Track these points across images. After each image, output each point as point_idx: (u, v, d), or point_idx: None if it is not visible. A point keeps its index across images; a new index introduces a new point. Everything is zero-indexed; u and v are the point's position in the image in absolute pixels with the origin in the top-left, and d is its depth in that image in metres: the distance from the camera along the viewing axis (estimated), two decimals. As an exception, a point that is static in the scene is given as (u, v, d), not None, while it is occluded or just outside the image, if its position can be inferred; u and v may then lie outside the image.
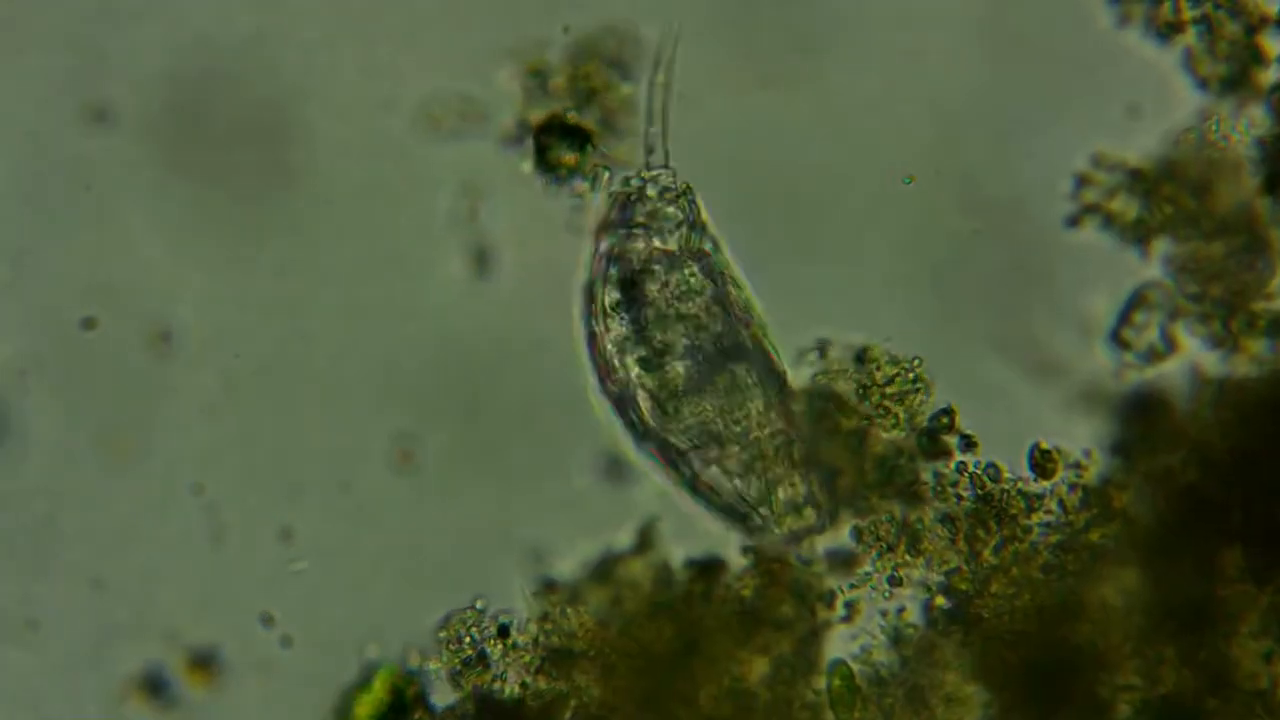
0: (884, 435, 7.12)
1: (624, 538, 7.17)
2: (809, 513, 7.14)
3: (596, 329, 7.17)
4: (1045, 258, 7.22)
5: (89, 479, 7.24)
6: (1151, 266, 7.19)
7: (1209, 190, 7.13)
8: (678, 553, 7.17)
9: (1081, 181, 7.18)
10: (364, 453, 7.24)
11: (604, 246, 7.20)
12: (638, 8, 7.24)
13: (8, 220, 7.29)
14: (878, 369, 7.12)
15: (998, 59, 7.28)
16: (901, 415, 7.12)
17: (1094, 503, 7.07)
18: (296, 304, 7.29)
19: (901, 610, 7.12)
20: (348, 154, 7.31)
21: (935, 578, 7.11)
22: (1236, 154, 7.14)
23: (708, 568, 7.15)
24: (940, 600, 7.10)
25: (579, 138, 7.24)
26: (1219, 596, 6.97)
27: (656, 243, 7.17)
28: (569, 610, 7.12)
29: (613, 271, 7.17)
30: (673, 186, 7.18)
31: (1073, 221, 7.20)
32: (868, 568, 7.12)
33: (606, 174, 7.25)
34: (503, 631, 7.14)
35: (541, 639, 7.12)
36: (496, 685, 7.13)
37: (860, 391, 7.13)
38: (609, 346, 7.15)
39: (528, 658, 7.12)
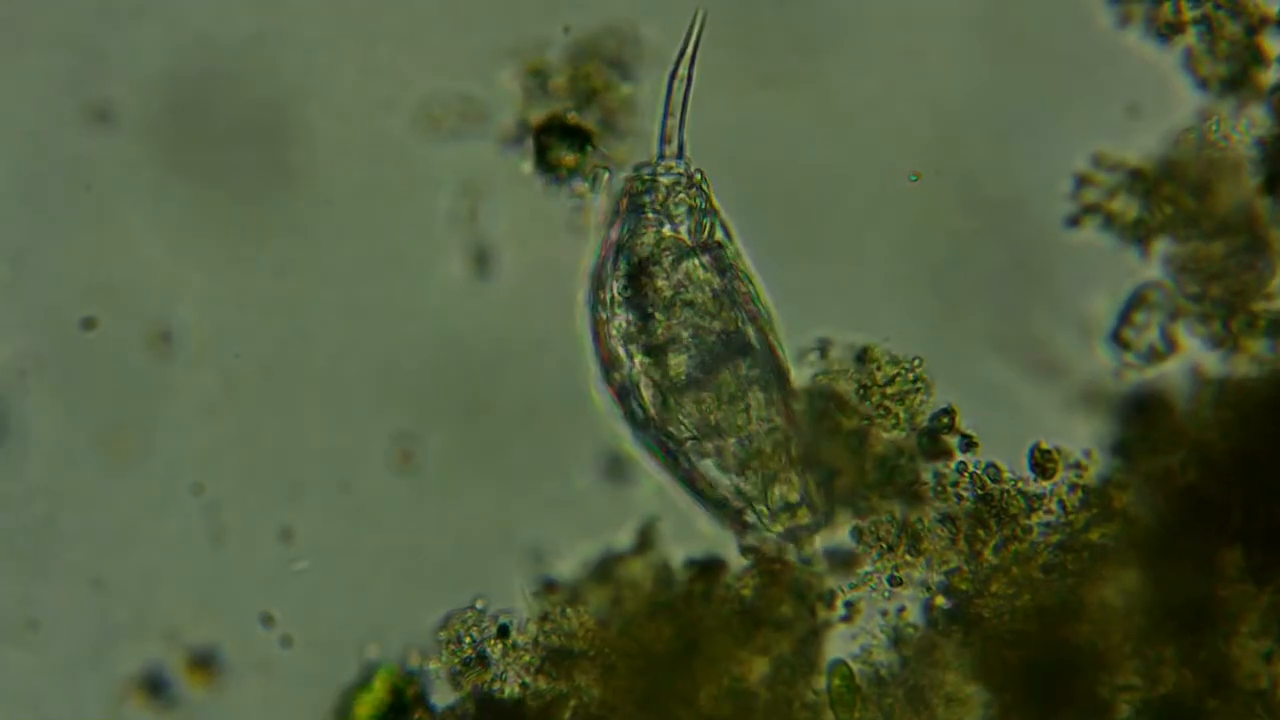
0: (884, 435, 7.12)
1: (624, 538, 7.17)
2: (803, 512, 7.14)
3: (602, 315, 7.18)
4: (1045, 258, 7.23)
5: (89, 479, 7.24)
6: (1151, 266, 7.19)
7: (1209, 190, 7.13)
8: (678, 553, 7.17)
9: (1081, 181, 7.18)
10: (364, 453, 7.25)
11: (614, 236, 7.20)
12: (638, 8, 7.25)
13: (8, 220, 7.29)
14: (878, 369, 7.12)
15: (998, 59, 7.28)
16: (902, 415, 7.12)
17: (1094, 503, 7.07)
18: (296, 304, 7.29)
19: (902, 610, 7.13)
20: (348, 154, 7.32)
21: (935, 578, 7.11)
22: (1236, 154, 7.14)
23: (708, 568, 7.16)
24: (940, 600, 7.10)
25: (579, 138, 7.24)
26: (1219, 596, 6.97)
27: (667, 231, 7.18)
28: (569, 610, 7.12)
29: (621, 261, 7.17)
30: (685, 175, 7.18)
31: (1073, 221, 7.20)
32: (868, 568, 7.12)
33: (606, 174, 7.25)
34: (503, 631, 7.14)
35: (541, 639, 7.12)
36: (496, 685, 7.13)
37: (861, 391, 7.13)
38: (613, 336, 7.15)
39: (528, 658, 7.12)
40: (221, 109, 7.30)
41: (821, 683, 7.11)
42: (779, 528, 7.13)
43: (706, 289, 7.16)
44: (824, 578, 7.15)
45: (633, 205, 7.21)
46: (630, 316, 7.16)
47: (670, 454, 7.15)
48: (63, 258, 7.28)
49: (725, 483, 7.14)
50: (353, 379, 7.27)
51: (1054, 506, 7.09)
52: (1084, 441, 7.13)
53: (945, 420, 7.14)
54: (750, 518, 7.15)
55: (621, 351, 7.15)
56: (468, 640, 7.13)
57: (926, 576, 7.12)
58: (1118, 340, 7.19)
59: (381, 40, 7.31)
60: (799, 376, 7.19)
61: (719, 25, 7.22)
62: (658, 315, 7.13)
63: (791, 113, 7.28)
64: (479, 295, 7.27)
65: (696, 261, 7.18)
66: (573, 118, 7.26)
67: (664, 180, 7.20)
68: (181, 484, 7.23)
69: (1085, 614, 7.02)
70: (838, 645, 7.14)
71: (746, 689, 7.07)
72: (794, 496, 7.14)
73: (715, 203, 7.23)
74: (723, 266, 7.19)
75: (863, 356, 7.15)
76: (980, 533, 7.08)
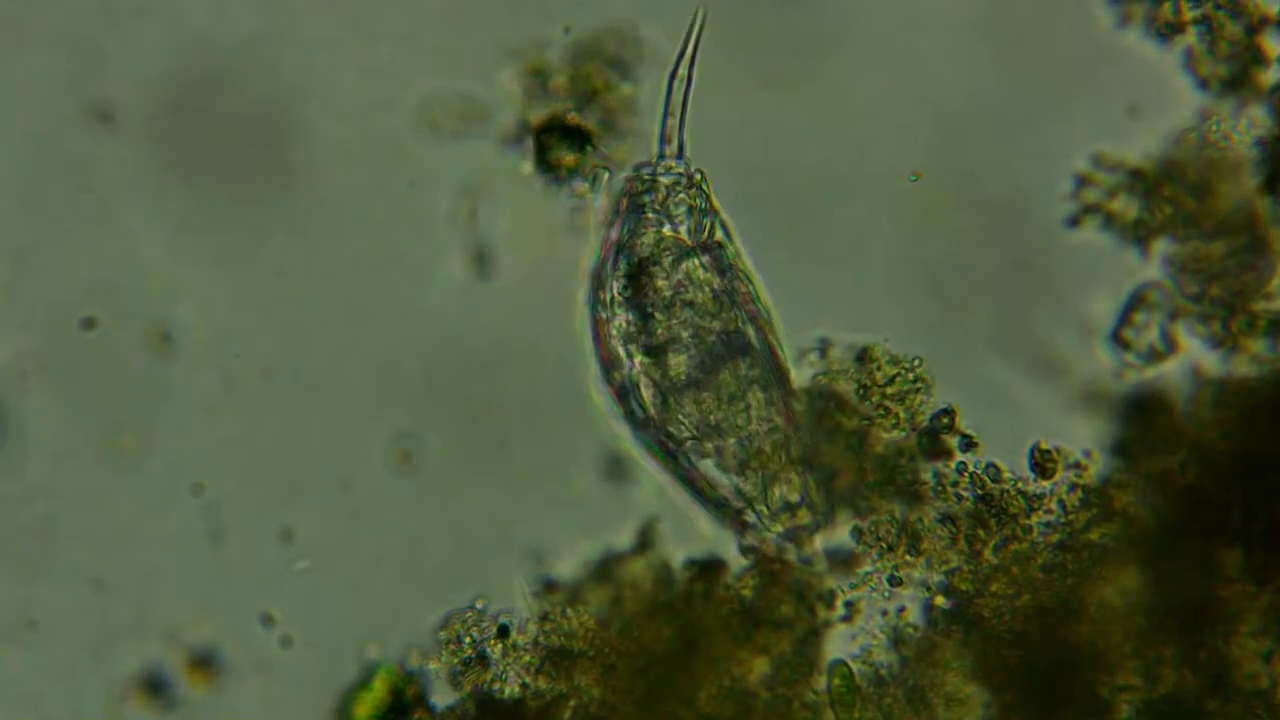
0: (884, 435, 7.12)
1: (624, 538, 7.17)
2: (803, 512, 7.14)
3: (602, 315, 7.18)
4: (1045, 258, 7.23)
5: (89, 479, 7.24)
6: (1151, 266, 7.19)
7: (1209, 190, 7.13)
8: (678, 553, 7.17)
9: (1081, 181, 7.18)
10: (364, 453, 7.25)
11: (614, 236, 7.20)
12: (638, 8, 7.25)
13: (8, 220, 7.29)
14: (878, 369, 7.12)
15: (998, 59, 7.28)
16: (902, 415, 7.12)
17: (1094, 503, 7.07)
18: (296, 304, 7.29)
19: (902, 610, 7.12)
20: (348, 154, 7.31)
21: (936, 578, 7.11)
22: (1237, 154, 7.14)
23: (708, 568, 7.15)
24: (940, 600, 7.10)
25: (579, 138, 7.24)
26: (1219, 596, 6.97)
27: (667, 231, 7.18)
28: (569, 610, 7.12)
29: (621, 261, 7.18)
30: (685, 175, 7.18)
31: (1073, 221, 7.20)
32: (868, 568, 7.12)
33: (606, 174, 7.25)
34: (503, 631, 7.14)
35: (541, 639, 7.12)
36: (496, 685, 7.13)
37: (861, 391, 7.13)
38: (614, 336, 7.15)
39: (528, 658, 7.12)
40: (221, 109, 7.30)
41: (821, 683, 7.11)
42: (779, 527, 7.13)
43: (706, 289, 7.16)
44: (824, 578, 7.14)
45: (633, 205, 7.21)
46: (630, 316, 7.16)
47: (670, 454, 7.15)
48: (63, 258, 7.28)
49: (725, 482, 7.14)
50: (353, 379, 7.28)
51: (1054, 506, 7.09)
52: (1084, 441, 7.13)
53: (945, 420, 7.14)
54: (750, 517, 7.15)
55: (621, 351, 7.15)
56: (468, 640, 7.13)
57: (926, 576, 7.11)
58: (1118, 340, 7.19)
59: (381, 40, 7.32)
60: (799, 376, 7.19)
61: (719, 25, 7.22)
62: (658, 315, 7.14)
63: (792, 113, 7.28)
64: (479, 295, 7.27)
65: (697, 261, 7.18)
66: (573, 118, 7.26)
67: (664, 180, 7.20)
68: (181, 484, 7.23)
69: (1085, 614, 7.02)
70: (838, 645, 7.14)
71: (746, 689, 7.07)
72: (794, 496, 7.14)
73: (715, 203, 7.23)
74: (723, 266, 7.19)
75: (863, 356, 7.15)
76: (980, 533, 7.08)
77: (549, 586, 7.16)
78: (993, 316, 7.21)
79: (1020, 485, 7.10)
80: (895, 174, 7.26)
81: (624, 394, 7.16)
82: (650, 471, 7.21)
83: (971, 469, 7.11)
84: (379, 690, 7.16)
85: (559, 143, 7.23)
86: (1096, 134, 7.19)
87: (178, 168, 7.29)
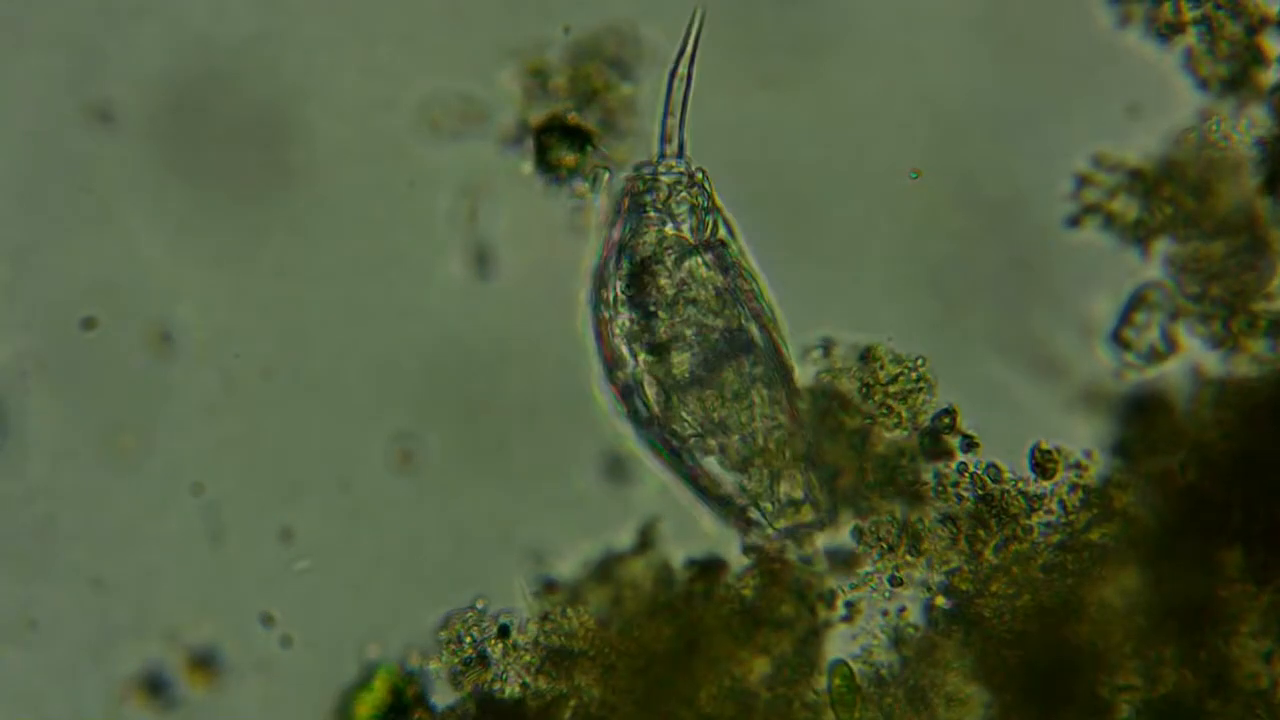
0: (886, 435, 7.12)
1: (624, 538, 7.17)
2: (806, 510, 7.14)
3: (605, 315, 7.18)
4: (1045, 258, 7.23)
5: (89, 479, 7.23)
6: (1151, 266, 7.20)
7: (1209, 190, 7.14)
8: (678, 553, 7.17)
9: (1081, 181, 7.19)
10: (364, 453, 7.24)
11: (615, 235, 7.20)
12: (638, 8, 7.25)
13: (8, 220, 7.28)
14: (881, 368, 7.12)
15: (998, 59, 7.29)
16: (904, 414, 7.12)
17: (1094, 503, 7.07)
18: (296, 304, 7.29)
19: (902, 610, 7.13)
20: (348, 154, 7.31)
21: (936, 578, 7.11)
22: (1237, 154, 7.14)
23: (708, 568, 7.15)
24: (941, 600, 7.10)
25: (579, 138, 7.24)
26: (1219, 596, 6.98)
27: (669, 230, 7.18)
28: (569, 610, 7.12)
29: (624, 260, 7.18)
30: (686, 174, 7.19)
31: (1073, 221, 7.21)
32: (869, 568, 7.12)
33: (606, 175, 7.25)
34: (503, 631, 7.14)
35: (541, 639, 7.12)
36: (497, 685, 7.12)
37: (863, 390, 7.13)
38: (616, 335, 7.15)
39: (528, 658, 7.12)
40: (221, 109, 7.30)
41: (822, 683, 7.11)
42: (782, 524, 7.13)
43: (709, 287, 7.16)
44: (824, 578, 7.14)
45: (634, 204, 7.21)
46: (633, 315, 7.16)
47: (674, 451, 7.15)
48: (63, 258, 7.28)
49: (728, 480, 7.14)
50: (353, 379, 7.27)
51: (1054, 506, 7.09)
52: (1084, 441, 7.13)
53: (946, 420, 7.14)
54: (754, 514, 7.15)
55: (625, 350, 7.15)
56: (468, 640, 7.12)
57: (927, 576, 7.12)
58: (1118, 340, 7.19)
59: (381, 40, 7.32)
60: (802, 375, 7.19)
61: (719, 25, 7.22)
62: (661, 313, 7.14)
63: (791, 113, 7.28)
64: (479, 295, 7.27)
65: (699, 259, 7.18)
66: (573, 118, 7.26)
67: (665, 179, 7.20)
68: (181, 484, 7.23)
69: (1085, 614, 7.02)
70: (838, 645, 7.14)
71: (747, 689, 7.07)
72: (798, 493, 7.14)
73: (718, 201, 7.23)
74: (725, 265, 7.19)
75: (866, 355, 7.15)
76: (981, 533, 7.08)
77: (549, 586, 7.15)
78: (993, 316, 7.22)
79: (1021, 485, 7.10)
80: (894, 173, 7.27)
81: (628, 393, 7.16)
82: (653, 470, 7.21)
83: (972, 469, 7.12)
84: (379, 690, 7.16)
85: (559, 143, 7.23)
86: (1096, 134, 7.20)
87: (178, 168, 7.29)
